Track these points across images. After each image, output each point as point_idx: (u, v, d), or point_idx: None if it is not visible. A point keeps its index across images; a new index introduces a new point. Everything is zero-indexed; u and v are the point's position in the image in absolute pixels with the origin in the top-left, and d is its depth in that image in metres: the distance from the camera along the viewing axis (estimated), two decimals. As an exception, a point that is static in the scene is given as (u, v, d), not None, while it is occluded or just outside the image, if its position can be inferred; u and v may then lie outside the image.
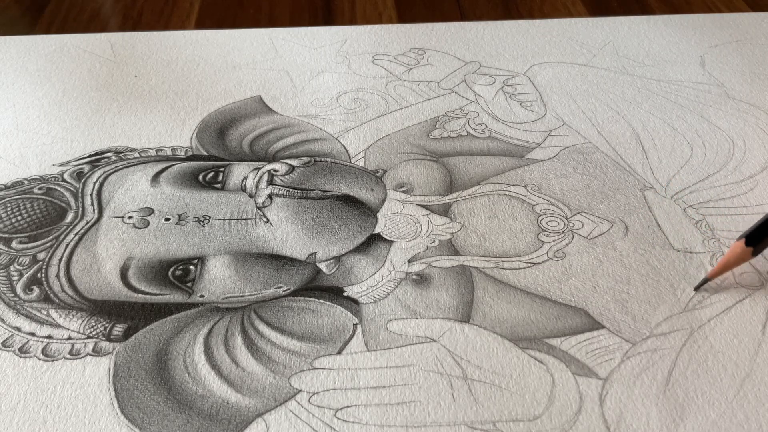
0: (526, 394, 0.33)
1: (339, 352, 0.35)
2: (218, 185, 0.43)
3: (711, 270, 0.37)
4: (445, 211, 0.42)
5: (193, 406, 0.33)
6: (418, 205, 0.43)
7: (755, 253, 0.37)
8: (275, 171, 0.44)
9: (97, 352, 0.35)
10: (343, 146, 0.47)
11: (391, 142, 0.47)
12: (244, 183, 0.43)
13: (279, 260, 0.39)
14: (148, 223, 0.41)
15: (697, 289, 0.38)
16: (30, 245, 0.40)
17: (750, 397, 0.33)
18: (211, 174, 0.44)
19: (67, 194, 0.43)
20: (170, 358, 0.35)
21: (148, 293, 0.37)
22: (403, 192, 0.44)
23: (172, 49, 0.57)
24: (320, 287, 0.38)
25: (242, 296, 0.37)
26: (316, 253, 0.40)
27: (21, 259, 0.39)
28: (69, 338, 0.35)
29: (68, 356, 0.35)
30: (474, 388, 0.33)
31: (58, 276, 0.38)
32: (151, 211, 0.42)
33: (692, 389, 0.33)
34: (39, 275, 0.38)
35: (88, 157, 0.46)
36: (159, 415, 0.32)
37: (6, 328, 0.36)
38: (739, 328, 0.36)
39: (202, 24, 0.61)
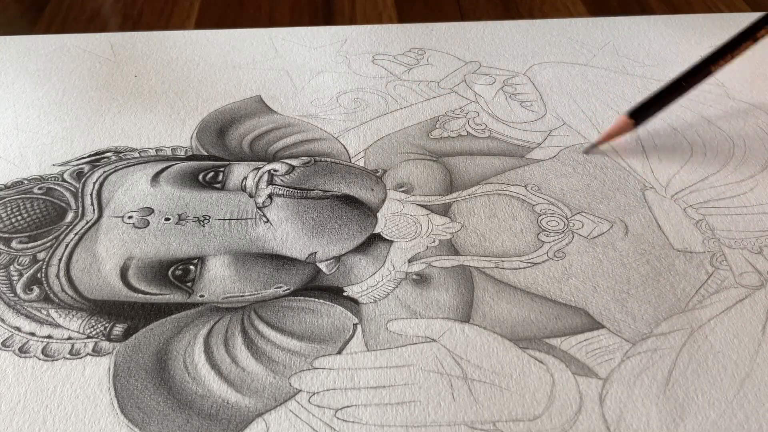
0: (526, 394, 0.33)
1: (339, 352, 0.35)
2: (218, 185, 0.43)
3: (599, 137, 0.45)
4: (445, 210, 0.42)
5: (193, 406, 0.33)
6: (418, 204, 0.43)
7: (636, 124, 0.45)
8: (275, 171, 0.44)
9: (97, 352, 0.35)
10: (343, 146, 0.47)
11: (391, 142, 0.47)
12: (244, 183, 0.43)
13: (279, 260, 0.39)
14: (148, 222, 0.41)
15: (585, 151, 0.45)
16: (30, 245, 0.40)
17: (750, 397, 0.33)
18: (211, 174, 0.44)
19: (67, 194, 0.43)
20: (170, 358, 0.35)
21: (148, 293, 0.37)
22: (403, 192, 0.44)
23: (172, 49, 0.57)
24: (320, 287, 0.38)
25: (242, 296, 0.37)
26: (316, 253, 0.40)
27: (21, 259, 0.39)
28: (69, 338, 0.35)
29: (68, 356, 0.35)
30: (474, 388, 0.33)
31: (58, 276, 0.38)
32: (151, 210, 0.42)
33: (692, 389, 0.33)
34: (39, 275, 0.38)
35: (88, 156, 0.46)
36: (159, 415, 0.32)
37: (6, 328, 0.36)
38: (739, 328, 0.36)
39: (202, 24, 0.61)
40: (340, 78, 0.53)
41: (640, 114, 0.46)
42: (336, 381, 0.34)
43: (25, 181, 0.44)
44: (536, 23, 0.60)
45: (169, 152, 0.46)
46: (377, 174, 0.45)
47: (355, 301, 0.37)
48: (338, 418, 0.32)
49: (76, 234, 0.40)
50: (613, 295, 0.38)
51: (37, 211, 0.42)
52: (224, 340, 0.35)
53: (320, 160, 0.45)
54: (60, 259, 0.39)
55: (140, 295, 0.37)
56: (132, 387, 0.33)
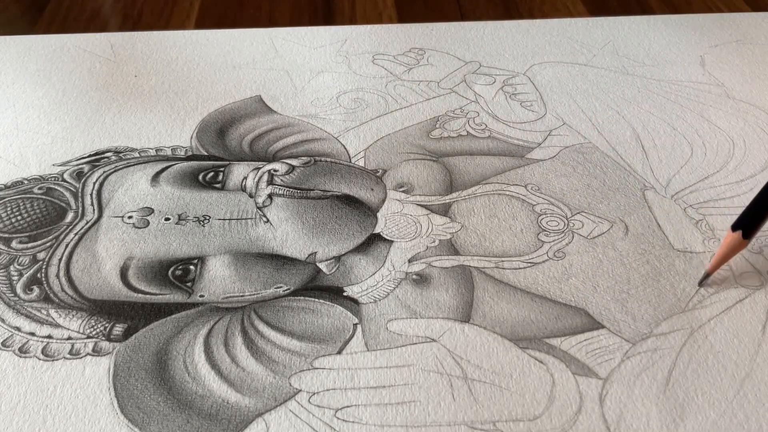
0: (526, 394, 0.33)
1: (339, 352, 0.35)
2: (218, 185, 0.43)
3: (710, 264, 0.38)
4: (445, 210, 0.42)
5: (193, 406, 0.33)
6: (418, 204, 0.43)
7: (746, 237, 0.37)
8: (275, 171, 0.44)
9: (97, 351, 0.35)
10: (343, 146, 0.47)
11: (391, 142, 0.47)
12: (244, 183, 0.43)
13: (279, 260, 0.39)
14: (148, 222, 0.41)
15: (701, 284, 0.38)
16: (30, 245, 0.40)
17: (750, 397, 0.33)
18: (211, 174, 0.44)
19: (67, 194, 0.43)
20: (170, 358, 0.35)
21: (148, 293, 0.37)
22: (403, 192, 0.44)
23: (172, 49, 0.57)
24: (320, 287, 0.38)
25: (242, 296, 0.37)
26: (316, 252, 0.40)
27: (21, 258, 0.39)
28: (69, 338, 0.35)
29: (68, 356, 0.35)
30: (474, 388, 0.33)
31: (58, 276, 0.38)
32: (151, 210, 0.42)
33: (692, 389, 0.33)
34: (39, 275, 0.38)
35: (88, 156, 0.46)
36: (159, 415, 0.32)
37: (6, 328, 0.36)
38: (739, 328, 0.36)
39: (202, 24, 0.61)
40: (340, 78, 0.53)
41: (747, 225, 0.37)
42: (336, 381, 0.34)
43: (25, 181, 0.44)
44: (536, 23, 0.60)
45: (169, 152, 0.46)
46: (377, 174, 0.45)
47: (355, 301, 0.37)
48: (338, 418, 0.32)
49: (76, 234, 0.40)
50: (613, 295, 0.38)
51: (37, 211, 0.42)
52: (224, 340, 0.35)
53: (320, 160, 0.45)
54: (60, 259, 0.39)
55: (140, 295, 0.37)
56: (132, 387, 0.33)
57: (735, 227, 0.37)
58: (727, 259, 0.37)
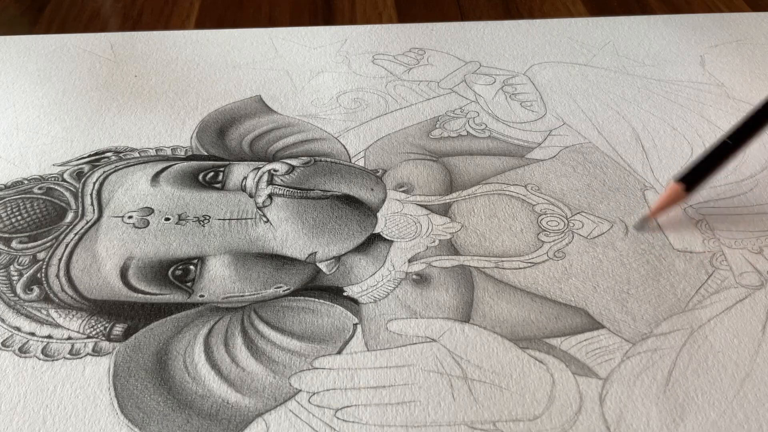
0: (526, 394, 0.33)
1: (339, 352, 0.35)
2: (218, 185, 0.43)
3: (650, 210, 0.40)
4: (445, 210, 0.42)
5: (193, 406, 0.33)
6: (418, 204, 0.43)
7: (688, 191, 0.39)
8: (275, 171, 0.44)
9: (97, 351, 0.35)
10: (343, 146, 0.47)
11: (391, 142, 0.47)
12: (244, 183, 0.43)
13: (279, 260, 0.39)
14: (148, 222, 0.41)
15: (638, 228, 0.40)
16: (30, 245, 0.40)
17: (750, 397, 0.33)
18: (211, 174, 0.44)
19: (66, 194, 0.43)
20: (170, 358, 0.35)
21: (148, 293, 0.37)
22: (403, 192, 0.44)
23: (172, 49, 0.57)
24: (320, 287, 0.38)
25: (242, 296, 0.37)
26: (316, 252, 0.40)
27: (21, 258, 0.39)
28: (69, 338, 0.35)
29: (68, 356, 0.35)
30: (474, 388, 0.33)
31: (57, 276, 0.38)
32: (151, 210, 0.42)
33: (692, 389, 0.33)
34: (39, 275, 0.38)
35: (88, 156, 0.46)
36: (159, 415, 0.32)
37: (6, 328, 0.36)
38: (739, 328, 0.36)
39: (202, 24, 0.61)
40: (340, 78, 0.53)
41: (691, 178, 0.39)
42: (336, 381, 0.34)
43: (25, 181, 0.44)
44: (536, 23, 0.60)
45: (169, 152, 0.46)
46: (377, 174, 0.45)
47: (355, 301, 0.37)
48: (338, 418, 0.32)
49: (76, 234, 0.40)
50: (613, 295, 0.38)
51: (37, 211, 0.42)
52: (224, 340, 0.35)
53: (320, 160, 0.45)
54: (60, 259, 0.39)
55: (140, 295, 0.37)
56: (132, 387, 0.33)
57: (679, 179, 0.39)
58: (666, 208, 0.40)
